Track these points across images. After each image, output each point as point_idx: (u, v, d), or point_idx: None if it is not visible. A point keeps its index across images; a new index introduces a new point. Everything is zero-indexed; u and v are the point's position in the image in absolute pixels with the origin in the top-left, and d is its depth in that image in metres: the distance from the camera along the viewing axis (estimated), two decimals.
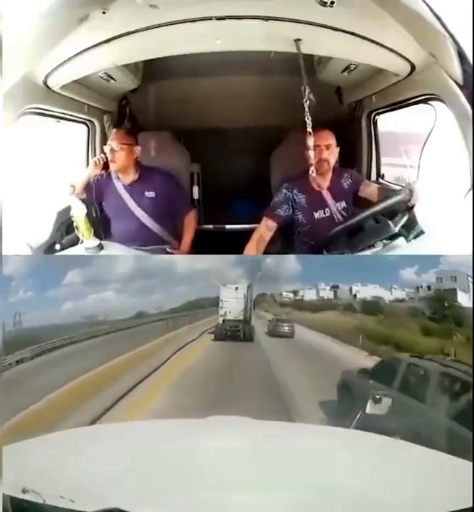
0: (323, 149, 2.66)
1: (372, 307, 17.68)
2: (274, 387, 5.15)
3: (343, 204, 2.81)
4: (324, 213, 2.78)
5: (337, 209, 2.79)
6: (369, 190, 2.94)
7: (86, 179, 2.91)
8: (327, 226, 2.66)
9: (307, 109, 2.33)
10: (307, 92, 2.33)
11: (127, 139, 2.87)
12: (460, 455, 2.19)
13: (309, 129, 2.38)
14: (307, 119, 2.33)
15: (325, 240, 2.67)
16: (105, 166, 2.96)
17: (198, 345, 9.65)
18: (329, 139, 2.70)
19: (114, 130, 2.96)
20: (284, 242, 3.07)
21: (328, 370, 5.73)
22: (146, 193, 2.92)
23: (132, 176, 2.95)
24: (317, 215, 2.78)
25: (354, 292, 26.32)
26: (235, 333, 10.69)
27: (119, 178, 2.95)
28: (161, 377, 5.57)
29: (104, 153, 2.90)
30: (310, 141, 2.43)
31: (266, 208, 2.82)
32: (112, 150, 2.81)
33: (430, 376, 3.07)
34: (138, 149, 2.90)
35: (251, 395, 4.66)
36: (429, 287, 19.85)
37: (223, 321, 11.26)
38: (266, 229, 2.74)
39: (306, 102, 2.33)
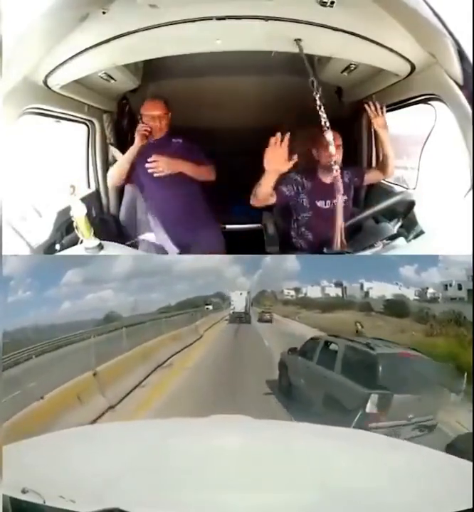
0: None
1: (399, 308, 15.32)
2: (260, 343, 10.81)
3: (344, 197, 2.99)
4: (325, 205, 2.99)
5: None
6: (372, 174, 3.22)
7: (134, 151, 3.01)
8: (327, 217, 2.81)
9: (319, 105, 2.31)
10: (316, 86, 2.32)
11: (165, 107, 3.10)
12: (352, 407, 2.97)
13: (325, 124, 2.36)
14: (322, 113, 2.32)
15: (325, 237, 2.69)
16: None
17: (219, 325, 17.25)
18: (337, 139, 2.85)
19: (149, 100, 3.13)
20: (285, 237, 3.19)
21: (290, 337, 11.09)
22: (174, 140, 3.17)
23: (161, 134, 3.14)
24: (319, 203, 3.02)
25: (365, 289, 24.27)
26: (240, 319, 18.08)
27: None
28: (206, 336, 12.36)
29: (146, 124, 3.03)
30: (328, 137, 2.42)
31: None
32: (158, 117, 3.04)
33: (338, 349, 3.87)
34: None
35: (248, 346, 10.38)
36: (460, 286, 17.87)
37: (233, 312, 18.99)
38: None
39: (317, 95, 2.32)
